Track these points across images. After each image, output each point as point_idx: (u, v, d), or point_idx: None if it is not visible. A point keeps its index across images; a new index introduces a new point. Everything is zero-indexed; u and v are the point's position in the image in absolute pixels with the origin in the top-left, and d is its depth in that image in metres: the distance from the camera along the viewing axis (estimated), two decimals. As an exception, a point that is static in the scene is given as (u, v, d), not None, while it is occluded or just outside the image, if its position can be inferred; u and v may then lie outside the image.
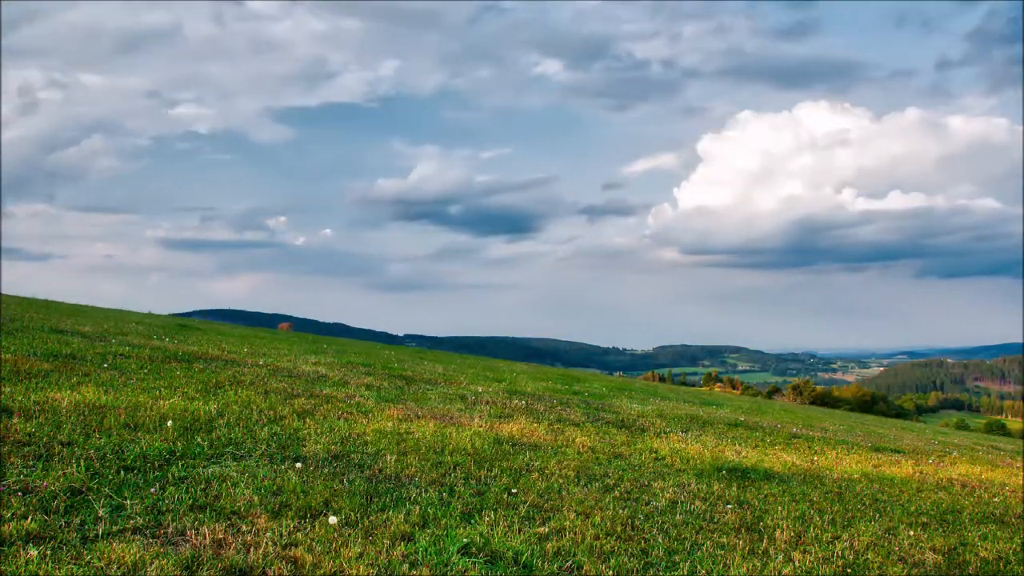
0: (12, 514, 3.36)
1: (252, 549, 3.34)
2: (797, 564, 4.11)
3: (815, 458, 8.06)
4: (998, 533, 5.41)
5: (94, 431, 4.90)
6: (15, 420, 4.89)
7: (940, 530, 5.31)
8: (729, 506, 5.18)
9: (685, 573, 3.78)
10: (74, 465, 4.11)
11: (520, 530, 4.08)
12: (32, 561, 2.95)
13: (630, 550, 4.00)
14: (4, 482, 3.73)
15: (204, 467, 4.47)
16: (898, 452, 9.82)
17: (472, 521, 4.13)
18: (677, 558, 3.96)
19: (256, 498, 3.99)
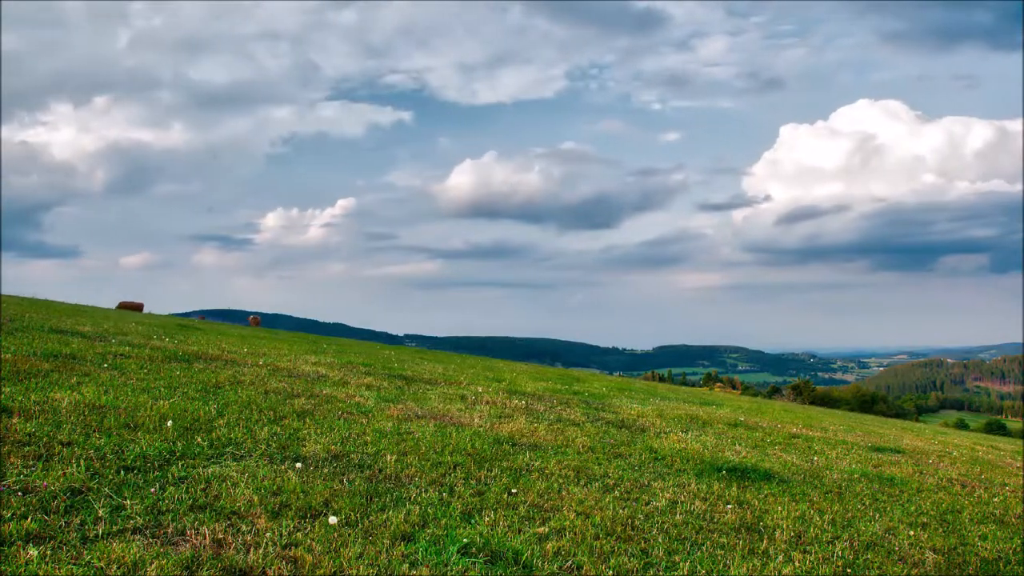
0: (12, 514, 3.36)
1: (252, 549, 3.34)
2: (797, 564, 4.11)
3: (815, 458, 8.06)
4: (998, 533, 5.41)
5: (94, 431, 4.90)
6: (15, 420, 4.89)
7: (940, 530, 5.31)
8: (729, 506, 5.18)
9: (685, 573, 3.78)
10: (74, 465, 4.11)
11: (520, 530, 4.08)
12: (32, 561, 2.95)
13: (630, 550, 4.00)
14: (4, 482, 3.73)
15: (204, 467, 4.47)
16: (898, 452, 9.82)
17: (472, 521, 4.13)
18: (677, 558, 3.96)
19: (256, 498, 3.99)
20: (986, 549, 4.92)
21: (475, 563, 3.53)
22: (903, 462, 8.75)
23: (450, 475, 5.05)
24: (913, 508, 5.95)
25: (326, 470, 4.75)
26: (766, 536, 4.57)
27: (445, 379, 12.07)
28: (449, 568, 3.44)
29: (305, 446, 5.32)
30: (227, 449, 4.94)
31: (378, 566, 3.36)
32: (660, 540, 4.21)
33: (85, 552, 3.11)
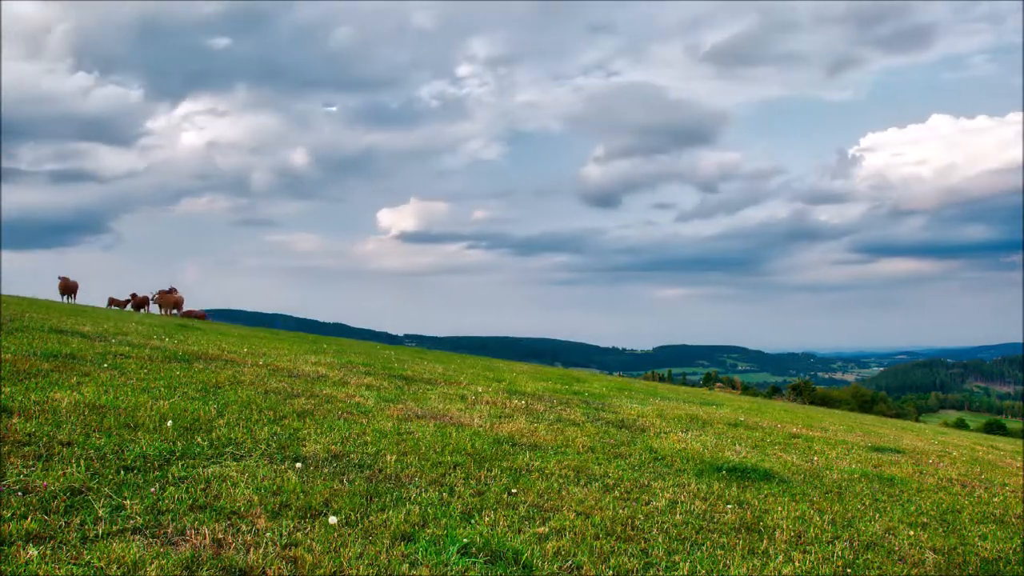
0: (12, 514, 3.36)
1: (252, 549, 3.34)
2: (797, 564, 4.12)
3: (815, 458, 8.06)
4: (998, 533, 5.42)
5: (94, 431, 4.90)
6: (15, 420, 4.89)
7: (940, 530, 5.31)
8: (729, 506, 5.18)
9: (685, 573, 3.78)
10: (74, 465, 4.11)
11: (520, 530, 4.08)
12: (32, 561, 2.95)
13: (630, 550, 4.01)
14: (4, 482, 3.73)
15: (204, 467, 4.47)
16: (898, 452, 9.82)
17: (472, 521, 4.13)
18: (677, 558, 3.96)
19: (256, 498, 3.99)
20: (986, 549, 4.92)
21: (475, 563, 3.53)
22: (903, 462, 8.75)
23: (450, 475, 5.05)
24: (913, 508, 5.95)
25: (326, 470, 4.75)
26: (766, 536, 4.57)
27: (445, 379, 12.07)
28: (449, 568, 3.44)
29: (305, 446, 5.32)
30: (227, 449, 4.94)
31: (378, 566, 3.36)
32: (660, 540, 4.21)
33: (85, 552, 3.11)
